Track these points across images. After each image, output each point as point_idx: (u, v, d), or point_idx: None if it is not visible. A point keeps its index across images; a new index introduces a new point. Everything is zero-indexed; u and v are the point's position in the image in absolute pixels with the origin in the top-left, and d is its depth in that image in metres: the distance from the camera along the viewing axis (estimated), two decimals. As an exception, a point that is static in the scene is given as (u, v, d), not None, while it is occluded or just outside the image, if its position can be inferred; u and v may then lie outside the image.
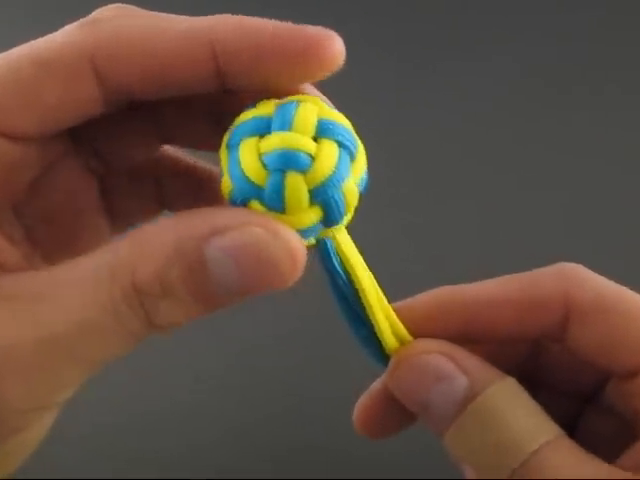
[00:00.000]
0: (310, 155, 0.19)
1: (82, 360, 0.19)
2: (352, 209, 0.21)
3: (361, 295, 0.22)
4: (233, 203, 0.20)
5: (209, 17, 0.20)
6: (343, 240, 0.22)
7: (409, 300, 0.23)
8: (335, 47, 0.20)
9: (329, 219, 0.20)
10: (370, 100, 0.59)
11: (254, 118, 0.20)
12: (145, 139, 0.25)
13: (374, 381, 0.24)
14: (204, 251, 0.18)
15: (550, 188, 0.59)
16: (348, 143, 0.20)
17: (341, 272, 0.22)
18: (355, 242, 0.23)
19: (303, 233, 0.20)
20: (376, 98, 0.60)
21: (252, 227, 0.18)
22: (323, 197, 0.19)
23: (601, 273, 0.22)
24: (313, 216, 0.20)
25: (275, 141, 0.19)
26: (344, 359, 0.48)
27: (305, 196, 0.19)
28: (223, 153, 0.20)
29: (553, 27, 0.62)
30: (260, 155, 0.19)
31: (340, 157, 0.20)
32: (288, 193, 0.19)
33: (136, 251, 0.18)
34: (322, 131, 0.20)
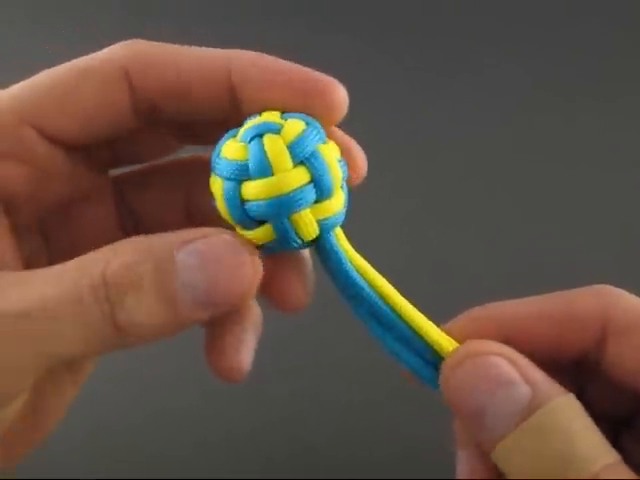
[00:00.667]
0: (280, 124, 0.21)
1: (38, 345, 0.19)
2: (339, 183, 0.22)
3: (381, 293, 0.22)
4: (228, 200, 0.21)
5: (229, 50, 0.23)
6: (342, 238, 0.22)
7: (445, 325, 0.23)
8: (339, 94, 0.22)
9: (318, 184, 0.21)
10: (379, 112, 0.58)
11: (228, 131, 0.22)
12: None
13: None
14: (174, 253, 0.19)
15: (560, 199, 0.58)
16: (314, 122, 0.22)
17: (348, 267, 0.22)
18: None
19: (297, 197, 0.21)
20: (385, 111, 0.59)
21: (221, 234, 0.20)
22: (303, 154, 0.21)
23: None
24: (301, 175, 0.21)
25: (247, 125, 0.22)
26: (352, 361, 0.48)
27: (285, 151, 0.21)
28: (211, 179, 0.22)
29: (564, 39, 0.62)
30: (237, 140, 0.21)
31: (307, 127, 0.21)
32: (269, 149, 0.21)
33: (111, 250, 0.20)
34: (287, 116, 0.22)
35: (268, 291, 0.24)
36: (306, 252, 0.25)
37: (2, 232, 0.22)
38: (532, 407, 0.19)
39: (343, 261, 0.22)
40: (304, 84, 0.22)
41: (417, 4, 0.62)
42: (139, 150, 0.26)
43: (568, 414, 0.20)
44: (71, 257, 0.21)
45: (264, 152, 0.20)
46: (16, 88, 0.22)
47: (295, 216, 0.21)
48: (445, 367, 0.21)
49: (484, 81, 0.61)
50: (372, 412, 0.50)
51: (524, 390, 0.20)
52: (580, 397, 0.23)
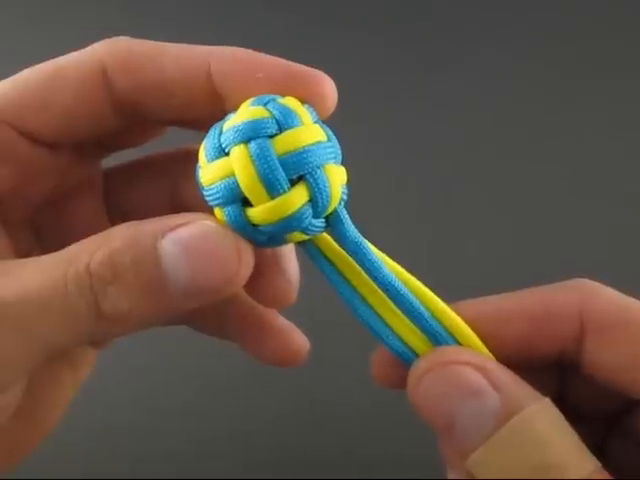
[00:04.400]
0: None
1: (26, 335, 0.19)
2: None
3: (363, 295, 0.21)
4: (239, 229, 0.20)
5: (209, 46, 0.22)
6: (325, 245, 0.21)
7: None
8: (327, 85, 0.21)
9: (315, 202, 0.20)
10: (371, 105, 0.58)
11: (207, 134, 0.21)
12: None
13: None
14: (157, 243, 0.19)
15: (558, 192, 0.58)
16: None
17: (329, 274, 0.21)
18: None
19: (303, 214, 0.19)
20: (378, 104, 0.59)
21: (203, 221, 0.19)
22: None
23: (618, 287, 0.21)
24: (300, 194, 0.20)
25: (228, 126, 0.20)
26: (353, 360, 0.48)
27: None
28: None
29: (559, 28, 0.61)
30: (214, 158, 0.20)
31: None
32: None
33: (97, 241, 0.20)
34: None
35: (253, 288, 0.24)
36: (290, 249, 0.24)
37: None
38: (503, 416, 0.19)
39: (354, 235, 0.21)
40: (287, 77, 0.21)
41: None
42: (125, 138, 0.25)
43: (542, 422, 0.19)
44: (56, 243, 0.21)
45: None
46: None
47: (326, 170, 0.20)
48: (411, 376, 0.20)
49: (479, 72, 0.60)
50: (370, 411, 0.50)
51: (493, 399, 0.19)
52: (562, 396, 0.22)
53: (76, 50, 0.22)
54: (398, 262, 0.22)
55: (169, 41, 0.22)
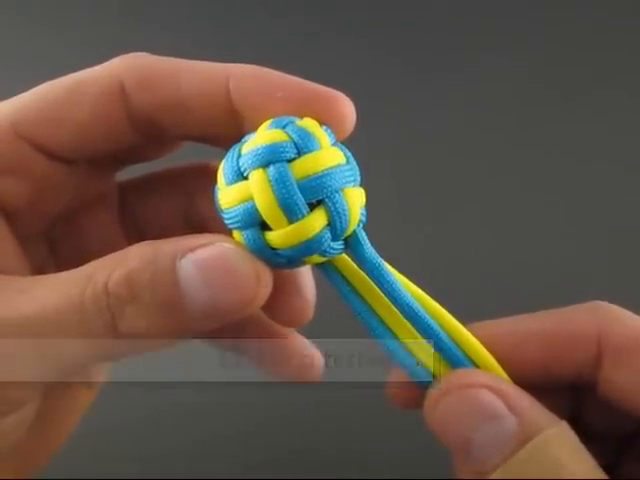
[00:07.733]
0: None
1: (41, 353, 0.19)
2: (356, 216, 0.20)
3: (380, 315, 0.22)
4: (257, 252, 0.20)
5: (227, 64, 0.22)
6: (342, 265, 0.21)
7: None
8: (346, 104, 0.21)
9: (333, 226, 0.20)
10: (374, 108, 0.58)
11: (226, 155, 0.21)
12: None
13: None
14: (176, 263, 0.19)
15: (559, 193, 0.58)
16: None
17: (346, 293, 0.21)
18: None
19: (322, 238, 0.19)
20: (381, 107, 0.58)
21: (222, 243, 0.19)
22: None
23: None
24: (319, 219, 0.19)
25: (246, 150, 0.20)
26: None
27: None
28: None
29: (561, 32, 0.61)
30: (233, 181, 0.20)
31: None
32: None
33: (115, 260, 0.19)
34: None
35: (269, 307, 0.23)
36: (306, 267, 0.24)
37: (4, 238, 0.22)
38: (521, 440, 0.19)
39: (372, 256, 0.21)
40: (306, 97, 0.21)
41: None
42: (141, 153, 0.25)
43: (559, 445, 0.19)
44: (77, 264, 0.21)
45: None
46: (12, 102, 0.22)
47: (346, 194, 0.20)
48: (428, 398, 0.20)
49: (479, 75, 0.60)
50: (370, 411, 0.50)
51: (510, 423, 0.19)
52: (578, 416, 0.23)
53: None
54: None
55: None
